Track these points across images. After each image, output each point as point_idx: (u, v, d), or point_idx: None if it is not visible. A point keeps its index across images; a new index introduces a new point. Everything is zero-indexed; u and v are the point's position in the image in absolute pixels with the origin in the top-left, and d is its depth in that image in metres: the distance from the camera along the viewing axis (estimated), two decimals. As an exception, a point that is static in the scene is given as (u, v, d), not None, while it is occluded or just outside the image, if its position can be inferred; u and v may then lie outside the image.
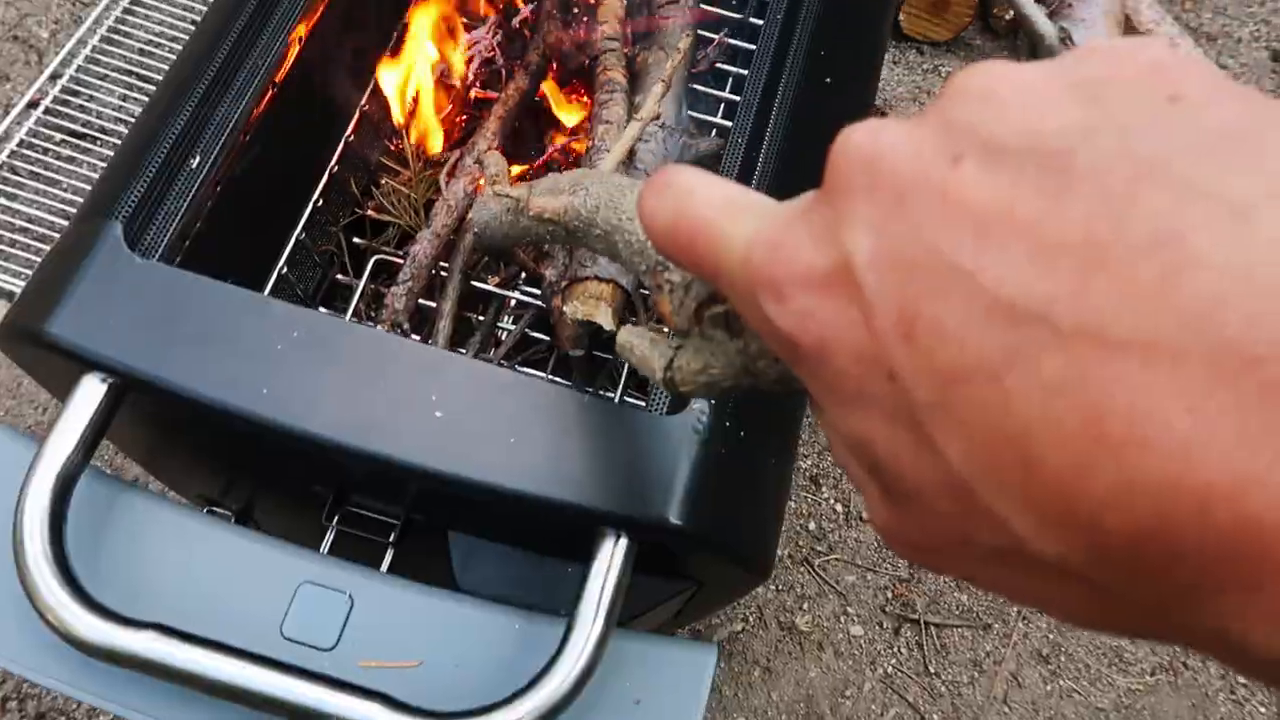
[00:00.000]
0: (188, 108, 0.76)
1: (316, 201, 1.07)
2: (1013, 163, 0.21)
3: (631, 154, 1.05)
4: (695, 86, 1.27)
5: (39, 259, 1.57)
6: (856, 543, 1.60)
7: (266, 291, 0.99)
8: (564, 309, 0.94)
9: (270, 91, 0.85)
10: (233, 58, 0.81)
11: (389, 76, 1.12)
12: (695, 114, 1.26)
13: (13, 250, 1.60)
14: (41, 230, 1.63)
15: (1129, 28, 2.08)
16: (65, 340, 0.66)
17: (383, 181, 1.13)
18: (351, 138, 1.11)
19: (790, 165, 0.88)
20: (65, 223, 1.62)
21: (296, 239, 1.04)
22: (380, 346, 0.69)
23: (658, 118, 1.04)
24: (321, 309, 1.09)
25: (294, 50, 0.89)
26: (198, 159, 0.75)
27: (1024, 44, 2.14)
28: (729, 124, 1.26)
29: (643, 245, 0.46)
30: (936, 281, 0.21)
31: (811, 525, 1.60)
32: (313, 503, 0.82)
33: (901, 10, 2.06)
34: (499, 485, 0.65)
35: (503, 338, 1.12)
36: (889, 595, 1.56)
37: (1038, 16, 1.99)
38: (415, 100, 1.13)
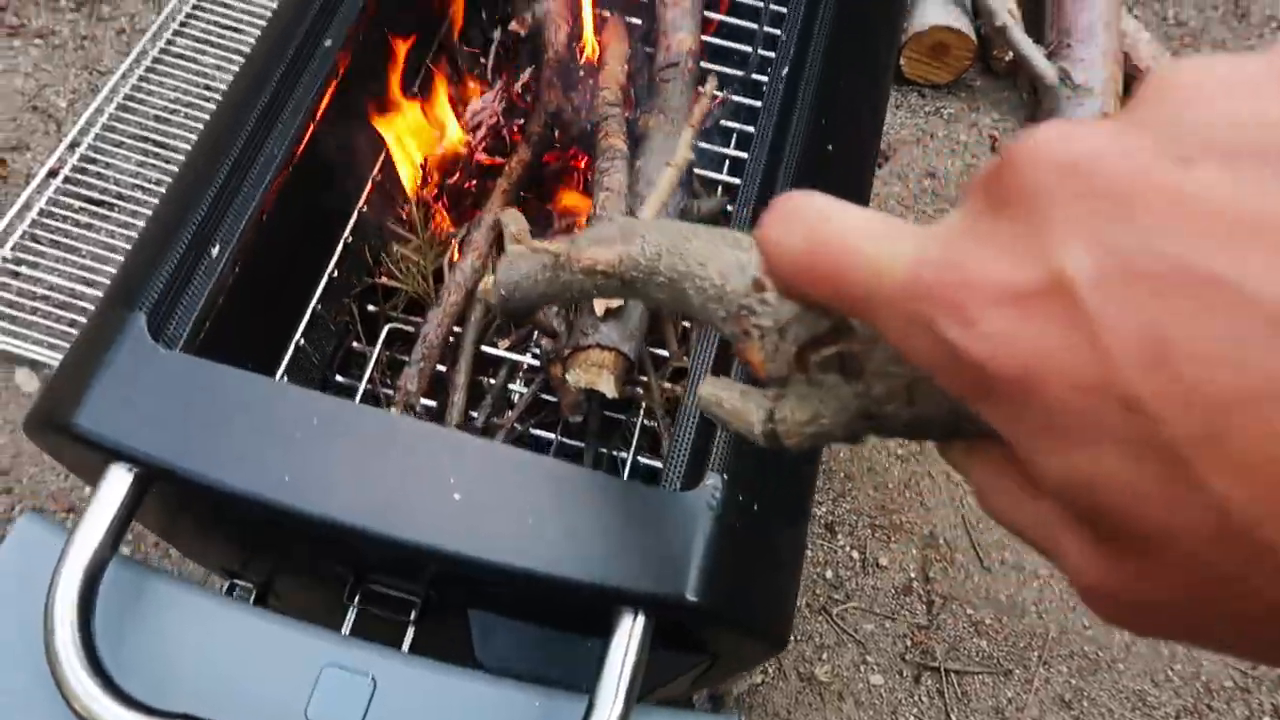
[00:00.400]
0: (208, 196, 0.78)
1: (332, 272, 1.09)
2: (1251, 162, 0.19)
3: (631, 215, 1.07)
4: (699, 144, 1.29)
5: (58, 325, 1.61)
6: (874, 590, 1.59)
7: (284, 363, 1.00)
8: (566, 377, 0.96)
9: (287, 171, 0.87)
10: (252, 142, 0.83)
11: (399, 146, 1.14)
12: (700, 171, 1.28)
13: (34, 318, 1.63)
14: (61, 298, 1.65)
15: (1128, 65, 2.10)
16: (92, 433, 0.68)
17: (393, 248, 1.15)
18: (365, 208, 1.13)
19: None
20: (85, 289, 1.65)
21: (313, 310, 1.06)
22: (397, 430, 0.70)
23: (691, 164, 1.06)
24: (339, 377, 1.11)
25: (310, 129, 0.91)
26: (218, 248, 0.77)
27: (1024, 84, 2.17)
28: (735, 180, 1.29)
29: (720, 291, 0.41)
30: (1189, 297, 0.18)
31: (829, 573, 1.60)
32: (334, 579, 0.83)
33: (903, 54, 2.08)
34: (517, 567, 0.66)
35: (515, 400, 1.13)
36: (908, 643, 1.56)
37: (1036, 57, 2.01)
38: (424, 169, 1.15)
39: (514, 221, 0.81)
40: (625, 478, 1.06)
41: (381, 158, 1.15)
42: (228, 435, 0.68)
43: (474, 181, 1.22)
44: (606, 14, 1.37)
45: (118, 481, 0.68)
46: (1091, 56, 2.00)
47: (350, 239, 1.11)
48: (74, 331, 1.63)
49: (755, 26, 1.40)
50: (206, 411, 0.69)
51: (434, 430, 0.73)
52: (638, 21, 1.38)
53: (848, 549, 1.63)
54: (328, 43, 0.87)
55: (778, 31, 1.38)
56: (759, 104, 1.34)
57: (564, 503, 0.68)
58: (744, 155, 1.30)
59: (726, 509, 0.70)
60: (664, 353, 1.13)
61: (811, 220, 0.27)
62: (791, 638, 1.49)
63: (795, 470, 0.80)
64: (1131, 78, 2.11)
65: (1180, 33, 2.33)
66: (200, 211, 0.77)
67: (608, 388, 0.94)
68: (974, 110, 2.13)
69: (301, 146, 0.89)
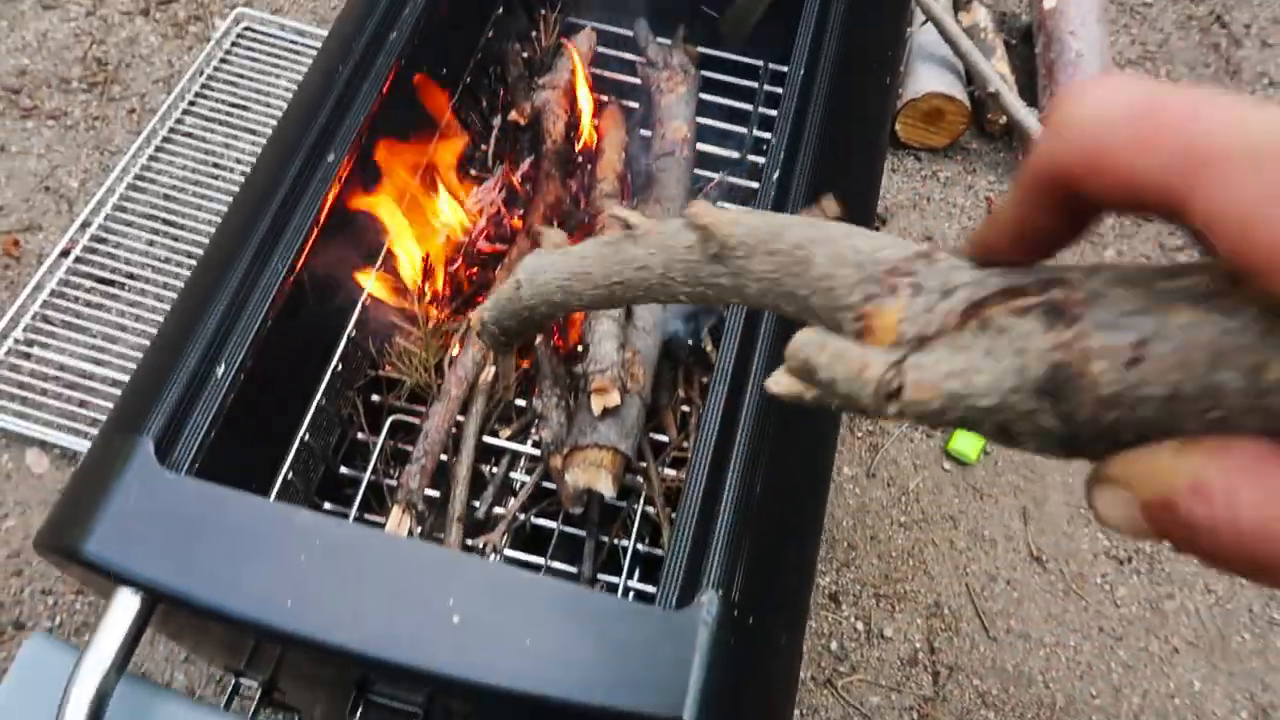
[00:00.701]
0: (215, 316, 0.81)
1: (335, 367, 1.11)
2: None
3: (629, 312, 1.09)
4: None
5: (68, 406, 1.63)
6: (879, 661, 1.59)
7: (289, 459, 1.02)
8: (565, 477, 0.97)
9: (290, 282, 0.89)
10: (257, 259, 0.85)
11: (400, 240, 1.17)
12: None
13: (44, 399, 1.65)
14: (71, 378, 1.68)
15: (1122, 127, 2.13)
16: (100, 560, 0.70)
17: (395, 340, 1.17)
18: (368, 301, 1.15)
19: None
20: (95, 369, 1.68)
21: (317, 405, 1.08)
22: (399, 553, 0.72)
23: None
24: (343, 468, 1.13)
25: (313, 238, 0.93)
26: (223, 367, 0.79)
27: (1020, 146, 2.19)
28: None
29: (858, 256, 0.34)
30: None
31: (833, 645, 1.60)
32: (338, 687, 0.84)
33: (898, 120, 2.11)
34: (516, 690, 0.67)
35: (516, 487, 1.15)
36: (915, 715, 1.55)
37: (1031, 122, 2.04)
38: (426, 261, 1.18)
39: (554, 235, 0.74)
40: (626, 569, 1.07)
41: (384, 250, 1.17)
42: (234, 560, 0.70)
43: (475, 270, 1.25)
44: (605, 98, 1.40)
45: (125, 605, 0.70)
46: (1085, 120, 2.02)
47: (354, 333, 1.13)
48: (83, 411, 1.65)
49: (750, 108, 1.43)
50: (213, 536, 0.71)
51: (435, 553, 0.75)
52: (635, 105, 1.41)
53: (852, 619, 1.63)
54: (330, 157, 0.89)
55: (773, 112, 1.42)
56: (755, 185, 1.38)
57: (562, 624, 0.69)
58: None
59: (722, 626, 0.71)
60: (664, 438, 1.14)
61: (1135, 87, 0.23)
62: (797, 712, 1.49)
63: (792, 578, 0.81)
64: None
65: (1173, 92, 2.36)
66: (207, 332, 0.79)
67: (606, 487, 0.96)
68: (970, 173, 2.16)
69: (304, 258, 0.91)
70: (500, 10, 1.39)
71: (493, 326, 0.58)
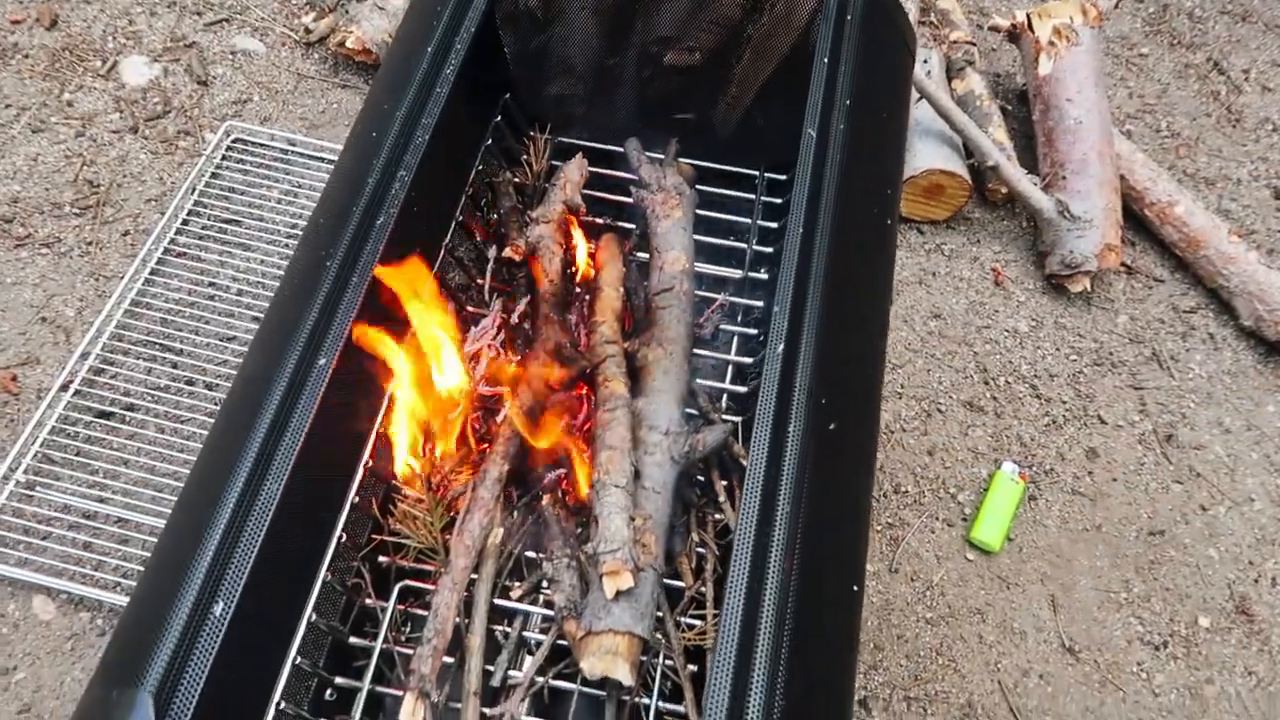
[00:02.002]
0: (210, 546, 0.78)
1: (340, 537, 1.08)
2: None
3: (637, 473, 1.06)
4: (699, 352, 1.28)
5: (72, 550, 1.60)
6: (914, 771, 1.55)
7: (297, 642, 0.99)
8: (582, 664, 0.94)
9: (289, 480, 0.86)
10: (255, 475, 0.82)
11: (400, 397, 1.14)
12: (703, 381, 1.27)
13: (46, 543, 1.63)
14: (74, 519, 1.65)
15: (1126, 188, 2.10)
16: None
17: (399, 501, 1.14)
18: (370, 462, 1.12)
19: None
20: (97, 507, 1.65)
21: (323, 580, 1.05)
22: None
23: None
24: (352, 638, 1.09)
25: (307, 433, 0.90)
26: (221, 605, 0.76)
27: (1023, 214, 2.17)
28: (740, 389, 1.28)
29: None
30: None
31: (865, 756, 1.56)
32: None
33: (897, 194, 2.09)
34: None
35: (532, 646, 1.11)
36: (954, 827, 1.51)
37: (1033, 193, 2.01)
38: (425, 425, 1.15)
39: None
40: (650, 732, 1.03)
41: (382, 412, 1.14)
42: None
43: (477, 418, 1.22)
44: (600, 220, 1.38)
45: None
46: (1088, 187, 2.00)
47: (356, 499, 1.10)
48: (87, 554, 1.62)
49: (749, 221, 1.40)
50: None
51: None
52: (631, 226, 1.39)
53: (883, 727, 1.59)
54: (321, 361, 0.87)
55: (772, 225, 1.40)
56: (758, 303, 1.35)
57: None
58: (747, 360, 1.30)
59: None
60: (679, 584, 1.11)
61: None
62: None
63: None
64: (1130, 199, 2.11)
65: (1175, 143, 2.33)
66: (201, 570, 0.76)
67: (623, 675, 0.92)
68: (974, 244, 2.13)
69: (299, 449, 0.88)
70: (489, 141, 1.37)
71: None
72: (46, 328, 1.87)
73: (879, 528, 1.77)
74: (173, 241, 1.96)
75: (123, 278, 1.90)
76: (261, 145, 2.12)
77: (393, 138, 1.08)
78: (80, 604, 1.60)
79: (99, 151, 2.11)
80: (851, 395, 0.96)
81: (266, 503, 0.81)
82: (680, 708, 1.06)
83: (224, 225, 2.00)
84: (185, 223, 1.99)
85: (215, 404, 1.77)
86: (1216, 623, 1.72)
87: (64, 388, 1.78)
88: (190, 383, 1.80)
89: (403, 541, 1.13)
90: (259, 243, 1.97)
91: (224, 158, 2.10)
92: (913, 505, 1.80)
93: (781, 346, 0.91)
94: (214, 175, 2.06)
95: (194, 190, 2.03)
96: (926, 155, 2.02)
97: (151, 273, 1.91)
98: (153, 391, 1.79)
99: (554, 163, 1.44)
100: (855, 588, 0.87)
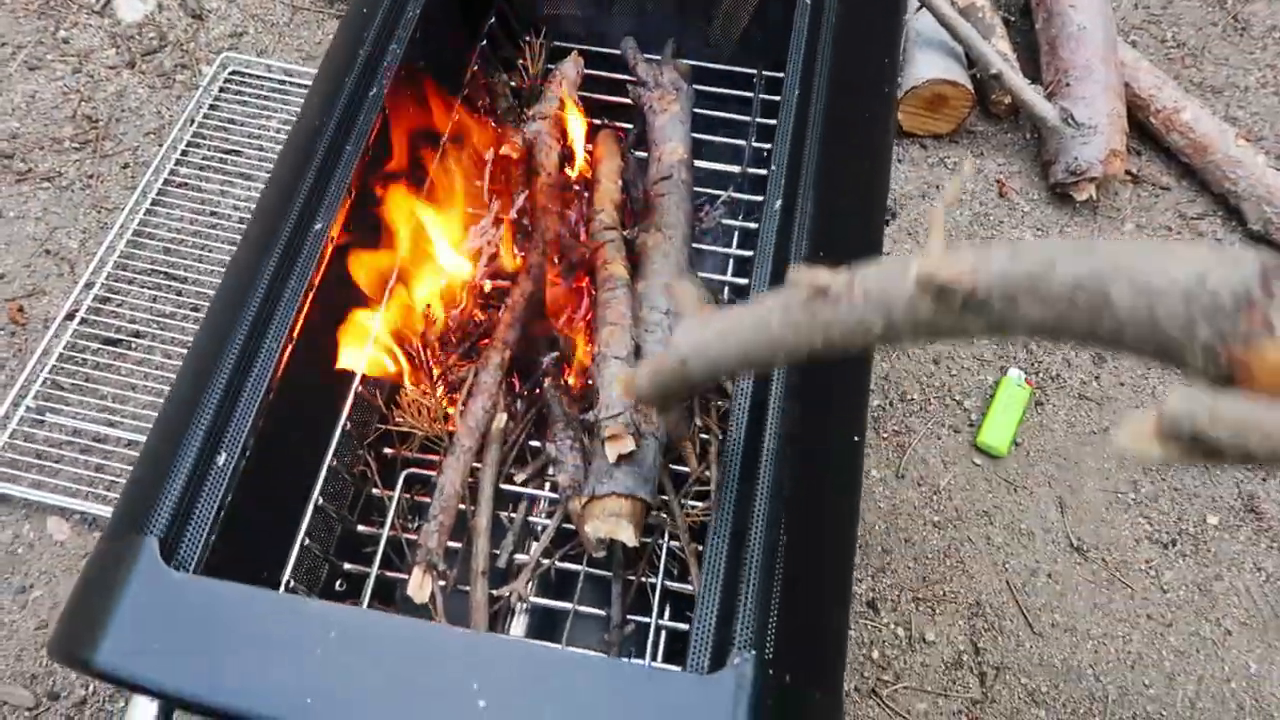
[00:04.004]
0: (212, 401, 0.78)
1: (344, 425, 1.08)
2: None
3: (638, 349, 1.06)
4: (699, 247, 1.28)
5: (85, 471, 1.62)
6: (923, 667, 1.56)
7: (305, 524, 1.00)
8: (586, 528, 0.94)
9: (290, 348, 0.87)
10: (252, 338, 0.83)
11: (401, 288, 1.14)
12: (704, 274, 1.27)
13: (60, 466, 1.64)
14: (85, 442, 1.67)
15: (1130, 95, 2.08)
16: (114, 672, 0.68)
17: (404, 391, 1.14)
18: (371, 353, 1.13)
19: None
20: (108, 430, 1.67)
21: (329, 466, 1.06)
22: (418, 640, 0.69)
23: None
24: (360, 526, 1.10)
25: (307, 304, 0.90)
26: (224, 455, 0.76)
27: (1026, 125, 2.14)
28: (742, 280, 1.27)
29: (1184, 286, 0.32)
30: None
31: (875, 654, 1.57)
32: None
33: (900, 109, 2.07)
34: (548, 777, 0.64)
35: (537, 531, 1.12)
36: (964, 719, 1.52)
37: (1036, 101, 1.99)
38: (428, 311, 1.15)
39: (687, 293, 0.70)
40: (656, 607, 1.04)
41: (386, 298, 1.14)
42: (249, 660, 0.68)
43: (479, 311, 1.22)
44: (598, 122, 1.37)
45: (144, 711, 0.68)
46: (1092, 93, 1.97)
47: (360, 389, 1.11)
48: (100, 475, 1.64)
49: (748, 119, 1.39)
50: (225, 636, 0.68)
51: (455, 637, 0.72)
52: (628, 126, 1.38)
53: (892, 626, 1.60)
54: (317, 226, 0.87)
55: (771, 121, 1.38)
56: (759, 198, 1.34)
57: (591, 699, 0.67)
58: (748, 253, 1.29)
59: (757, 688, 0.68)
60: (684, 469, 1.11)
61: None
62: (843, 730, 1.46)
63: (827, 620, 0.78)
64: (1135, 108, 2.09)
65: (1180, 53, 2.30)
66: (205, 420, 0.77)
67: (627, 536, 0.93)
68: (979, 156, 2.12)
69: (300, 324, 0.89)
70: (484, 43, 1.36)
71: (650, 395, 0.61)
72: (50, 260, 1.88)
73: (885, 435, 1.78)
74: (173, 173, 1.96)
75: (124, 209, 1.90)
76: (259, 77, 2.11)
77: (375, 30, 1.06)
78: (94, 524, 1.62)
79: (96, 87, 2.10)
80: (850, 249, 0.96)
81: (269, 357, 0.81)
82: (687, 585, 1.07)
83: (224, 156, 1.99)
84: (185, 154, 1.99)
85: (221, 329, 1.78)
86: (1225, 520, 1.72)
87: (70, 317, 1.78)
88: (195, 309, 1.80)
89: (408, 431, 1.13)
90: (260, 172, 1.97)
91: (221, 90, 2.09)
92: (919, 413, 1.80)
93: (779, 203, 0.90)
94: (212, 107, 2.06)
95: (192, 122, 2.02)
96: (927, 66, 2.00)
97: (153, 204, 1.91)
98: (158, 319, 1.79)
99: (549, 66, 1.43)
100: (856, 438, 0.87)
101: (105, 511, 1.60)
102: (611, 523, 0.92)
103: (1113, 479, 1.75)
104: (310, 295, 0.88)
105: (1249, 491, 1.74)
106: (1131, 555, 1.68)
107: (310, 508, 1.02)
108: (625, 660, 0.87)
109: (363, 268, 1.04)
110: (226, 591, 0.70)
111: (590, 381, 1.08)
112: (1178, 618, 1.63)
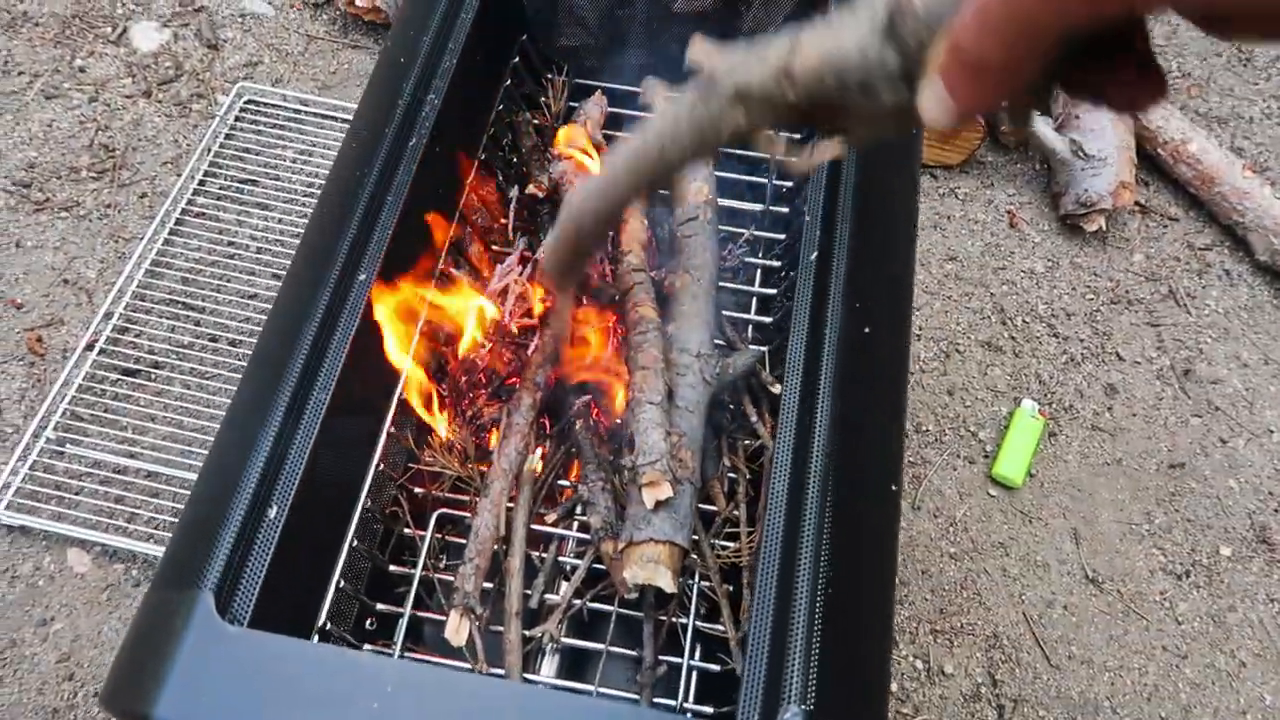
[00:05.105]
0: (262, 453, 0.79)
1: (377, 466, 1.09)
2: None
3: (671, 393, 1.07)
4: (723, 285, 1.29)
5: (104, 503, 1.62)
6: (942, 700, 1.57)
7: (339, 566, 1.00)
8: (624, 574, 0.95)
9: (335, 404, 0.88)
10: (304, 384, 0.84)
11: (430, 334, 1.15)
12: (728, 313, 1.28)
13: (79, 497, 1.65)
14: (105, 474, 1.67)
15: (1139, 127, 2.10)
16: (170, 726, 0.68)
17: (434, 432, 1.15)
18: (403, 395, 1.14)
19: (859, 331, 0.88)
20: (127, 462, 1.67)
21: (362, 508, 1.06)
22: (468, 692, 0.70)
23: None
24: (392, 566, 1.11)
25: (347, 356, 0.91)
26: (275, 509, 0.77)
27: (1036, 156, 2.17)
28: (764, 319, 1.29)
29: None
30: None
31: (894, 686, 1.58)
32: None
33: (910, 139, 2.09)
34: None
35: (568, 571, 1.13)
36: (983, 753, 1.53)
37: (1046, 132, 2.01)
38: (455, 354, 1.16)
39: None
40: (688, 648, 1.05)
41: (414, 345, 1.15)
42: (309, 714, 0.68)
43: (509, 350, 1.23)
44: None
45: (198, 767, 0.69)
46: (1101, 126, 2.00)
47: (392, 430, 1.12)
48: (120, 507, 1.64)
49: (768, 155, 1.41)
50: (283, 690, 0.69)
51: (500, 689, 0.73)
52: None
53: (910, 658, 1.60)
54: (362, 277, 0.88)
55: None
56: (779, 236, 1.36)
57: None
58: (770, 291, 1.31)
59: (802, 736, 0.69)
60: (712, 508, 1.12)
61: None
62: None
63: (870, 681, 0.79)
64: (1143, 140, 2.11)
65: (1187, 84, 2.33)
66: (255, 473, 0.78)
67: (665, 583, 0.94)
68: (988, 187, 2.14)
69: (338, 376, 0.90)
70: (509, 82, 1.38)
71: (555, 267, 0.72)
72: (69, 289, 1.89)
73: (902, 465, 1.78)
74: (190, 203, 1.97)
75: (142, 239, 1.91)
76: (274, 106, 2.13)
77: (413, 80, 1.08)
78: (114, 556, 1.62)
79: (113, 116, 2.12)
80: (881, 301, 0.97)
81: (315, 410, 0.82)
82: (718, 626, 1.08)
83: (241, 185, 2.01)
84: (202, 184, 2.00)
85: (240, 360, 1.79)
86: (1238, 552, 1.73)
87: (89, 347, 1.79)
88: (214, 339, 1.81)
89: (439, 471, 1.14)
90: (276, 202, 1.98)
91: (237, 119, 2.10)
92: (934, 444, 1.81)
93: (815, 254, 0.92)
94: (228, 137, 2.07)
95: (209, 151, 2.03)
96: (939, 98, 2.02)
97: (170, 233, 1.92)
98: (177, 349, 1.80)
99: (572, 104, 1.45)
100: (894, 487, 0.88)
101: (126, 544, 1.60)
102: (650, 569, 0.93)
103: (1126, 510, 1.76)
104: (350, 343, 0.89)
105: (1261, 522, 1.76)
106: (1146, 587, 1.69)
107: (345, 549, 1.03)
108: (666, 714, 0.87)
109: (389, 309, 1.05)
110: (281, 645, 0.71)
111: (619, 422, 1.10)
112: (1193, 649, 1.64)
